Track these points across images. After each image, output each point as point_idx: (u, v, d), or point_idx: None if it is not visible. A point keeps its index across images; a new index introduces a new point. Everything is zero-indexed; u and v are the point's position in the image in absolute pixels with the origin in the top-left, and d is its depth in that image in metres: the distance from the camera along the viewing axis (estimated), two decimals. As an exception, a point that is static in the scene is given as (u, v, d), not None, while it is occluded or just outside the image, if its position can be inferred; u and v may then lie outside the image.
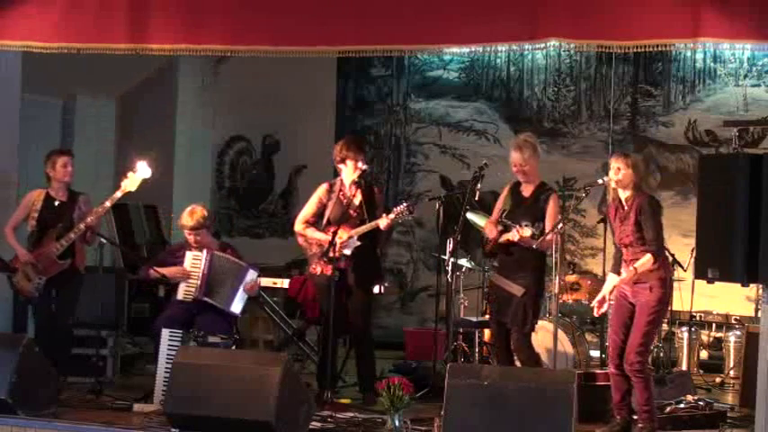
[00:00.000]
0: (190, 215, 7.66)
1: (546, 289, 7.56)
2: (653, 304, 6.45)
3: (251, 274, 7.63)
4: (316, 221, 7.78)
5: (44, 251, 7.66)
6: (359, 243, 7.55)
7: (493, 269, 7.50)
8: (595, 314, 6.89)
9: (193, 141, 11.67)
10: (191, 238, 7.68)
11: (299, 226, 7.83)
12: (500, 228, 7.15)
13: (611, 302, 6.71)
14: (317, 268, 7.66)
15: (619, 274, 6.66)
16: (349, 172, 7.70)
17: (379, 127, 11.50)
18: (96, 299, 7.68)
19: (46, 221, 7.75)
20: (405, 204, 7.53)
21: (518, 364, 7.18)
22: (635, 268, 6.42)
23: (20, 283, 7.68)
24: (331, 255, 7.45)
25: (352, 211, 7.65)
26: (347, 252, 7.53)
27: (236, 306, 7.61)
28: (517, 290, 7.09)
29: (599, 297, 6.73)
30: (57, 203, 7.81)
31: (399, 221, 7.59)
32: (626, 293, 6.57)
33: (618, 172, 6.56)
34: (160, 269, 7.67)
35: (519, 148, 7.19)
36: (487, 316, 8.52)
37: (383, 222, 7.50)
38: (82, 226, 7.61)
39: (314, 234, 7.72)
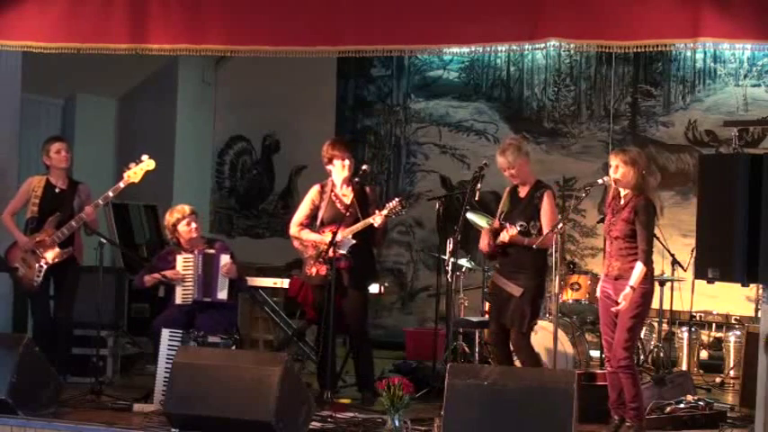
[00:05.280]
0: (177, 209, 7.70)
1: (546, 289, 7.56)
2: (636, 300, 6.44)
3: (224, 258, 7.70)
4: (310, 224, 7.78)
5: (44, 238, 7.65)
6: (354, 242, 7.55)
7: (494, 269, 7.50)
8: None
9: (193, 141, 11.67)
10: (187, 229, 7.68)
11: (293, 229, 7.83)
12: (493, 232, 7.18)
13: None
14: (312, 269, 7.67)
15: None
16: (338, 171, 7.71)
17: (379, 127, 11.50)
18: (96, 299, 7.67)
19: (47, 209, 7.75)
20: (397, 200, 7.52)
21: (518, 364, 7.19)
22: (632, 287, 6.39)
23: (22, 270, 7.66)
24: (330, 255, 7.45)
25: (345, 211, 7.63)
26: (342, 251, 7.53)
27: (222, 293, 7.67)
28: (516, 290, 7.09)
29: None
30: (57, 190, 7.82)
31: (393, 217, 7.59)
32: (609, 292, 6.57)
33: (616, 170, 6.52)
34: (155, 274, 7.71)
35: (502, 152, 7.21)
36: (487, 316, 8.54)
37: (377, 220, 7.49)
38: (83, 215, 7.62)
39: (309, 236, 7.72)
